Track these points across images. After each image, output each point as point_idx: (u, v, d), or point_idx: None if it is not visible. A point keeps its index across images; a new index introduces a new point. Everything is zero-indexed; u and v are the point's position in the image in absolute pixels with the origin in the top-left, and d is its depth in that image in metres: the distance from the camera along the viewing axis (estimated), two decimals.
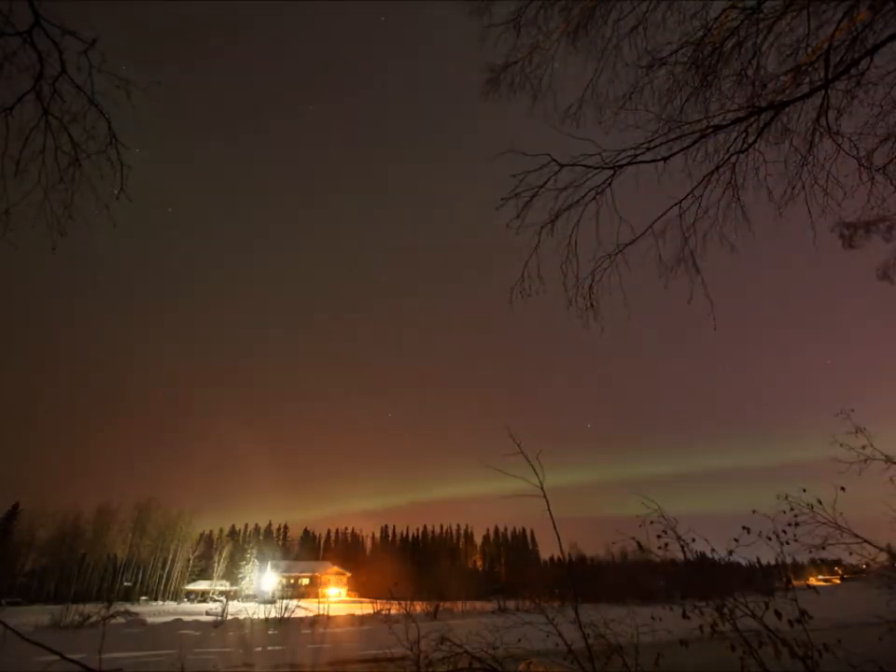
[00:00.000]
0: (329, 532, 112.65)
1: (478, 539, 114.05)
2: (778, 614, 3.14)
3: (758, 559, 3.96)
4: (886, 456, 3.87)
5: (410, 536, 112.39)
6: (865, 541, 3.56)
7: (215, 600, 62.60)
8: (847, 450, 3.92)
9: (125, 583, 72.90)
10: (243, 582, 77.48)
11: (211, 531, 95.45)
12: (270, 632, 30.51)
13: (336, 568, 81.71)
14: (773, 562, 3.79)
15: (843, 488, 3.55)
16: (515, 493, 4.41)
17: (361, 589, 78.69)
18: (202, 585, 74.85)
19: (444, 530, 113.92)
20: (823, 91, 3.49)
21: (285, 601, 40.43)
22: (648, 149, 3.70)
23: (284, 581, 70.22)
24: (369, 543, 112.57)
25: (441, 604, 44.78)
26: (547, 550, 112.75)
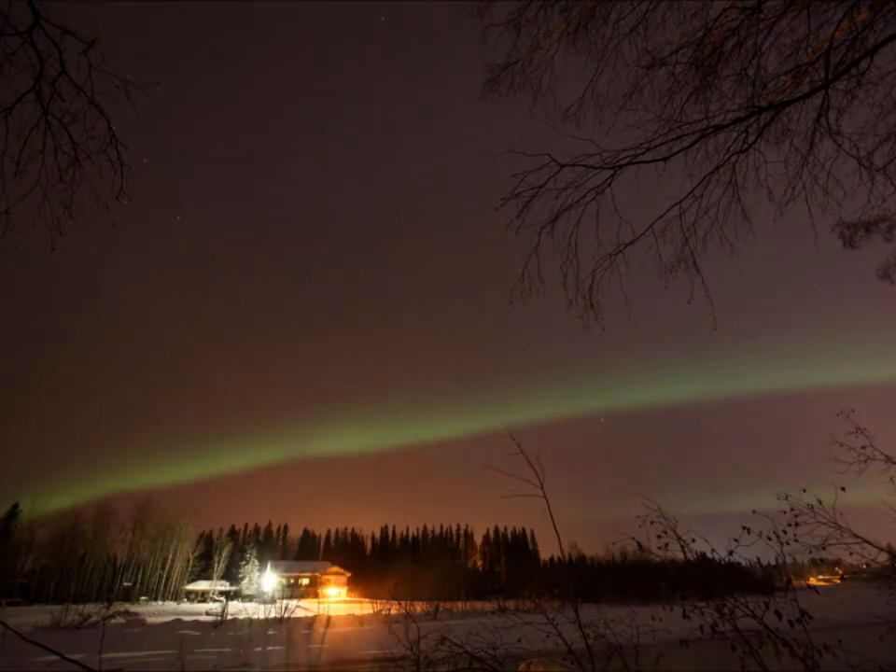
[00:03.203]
0: (328, 532, 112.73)
1: (478, 539, 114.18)
2: (779, 614, 3.14)
3: (758, 559, 3.95)
4: (886, 456, 3.86)
5: (410, 536, 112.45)
6: (865, 541, 3.55)
7: (215, 600, 62.64)
8: (846, 450, 3.92)
9: (125, 583, 72.83)
10: (243, 582, 77.43)
11: (211, 531, 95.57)
12: (270, 632, 30.50)
13: (336, 568, 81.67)
14: (773, 562, 3.79)
15: (843, 488, 3.55)
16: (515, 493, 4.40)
17: (361, 589, 78.67)
18: (202, 585, 74.81)
19: (444, 530, 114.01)
20: (823, 91, 3.48)
21: (285, 601, 40.46)
22: (648, 149, 3.70)
23: (284, 580, 70.17)
24: (369, 543, 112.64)
25: (441, 604, 44.79)
26: (547, 550, 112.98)
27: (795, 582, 3.47)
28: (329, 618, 36.98)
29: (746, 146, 3.78)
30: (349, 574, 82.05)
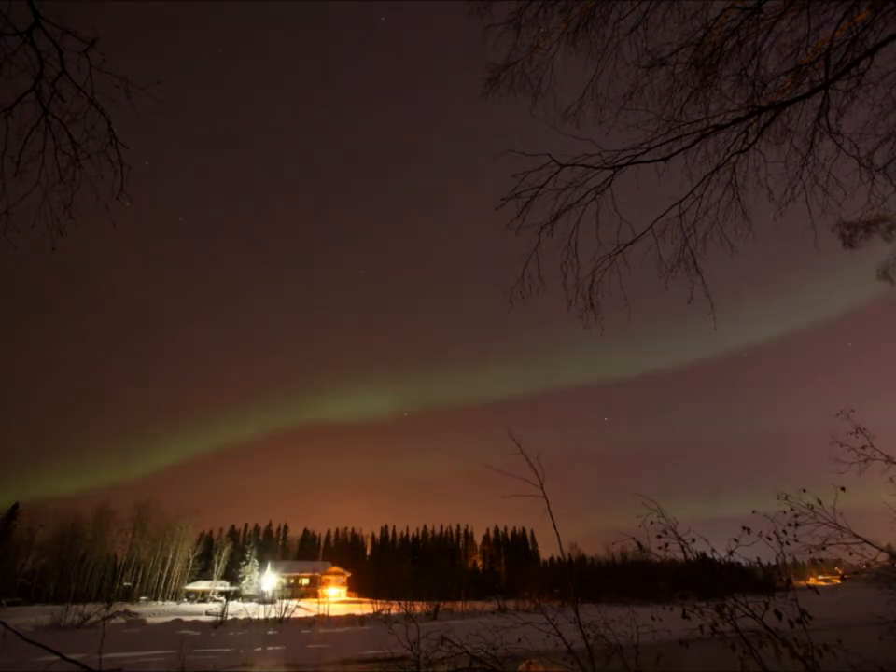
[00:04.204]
0: (328, 532, 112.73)
1: (478, 539, 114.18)
2: (778, 614, 3.13)
3: (758, 559, 3.94)
4: (886, 456, 3.86)
5: (410, 536, 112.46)
6: (865, 541, 3.55)
7: (215, 600, 62.63)
8: (846, 450, 3.92)
9: (125, 583, 72.81)
10: (243, 582, 77.42)
11: (211, 531, 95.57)
12: (270, 632, 30.53)
13: (336, 568, 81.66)
14: (773, 562, 3.79)
15: (843, 488, 3.54)
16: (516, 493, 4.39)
17: (361, 589, 78.67)
18: (202, 585, 74.80)
19: (444, 530, 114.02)
20: (823, 91, 3.48)
21: (285, 601, 40.49)
22: (648, 149, 3.70)
23: (284, 580, 70.19)
24: (369, 543, 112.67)
25: (441, 604, 44.79)
26: (547, 550, 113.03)
27: (795, 582, 3.47)
28: (328, 618, 36.99)
29: (746, 146, 3.78)
30: (349, 574, 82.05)
